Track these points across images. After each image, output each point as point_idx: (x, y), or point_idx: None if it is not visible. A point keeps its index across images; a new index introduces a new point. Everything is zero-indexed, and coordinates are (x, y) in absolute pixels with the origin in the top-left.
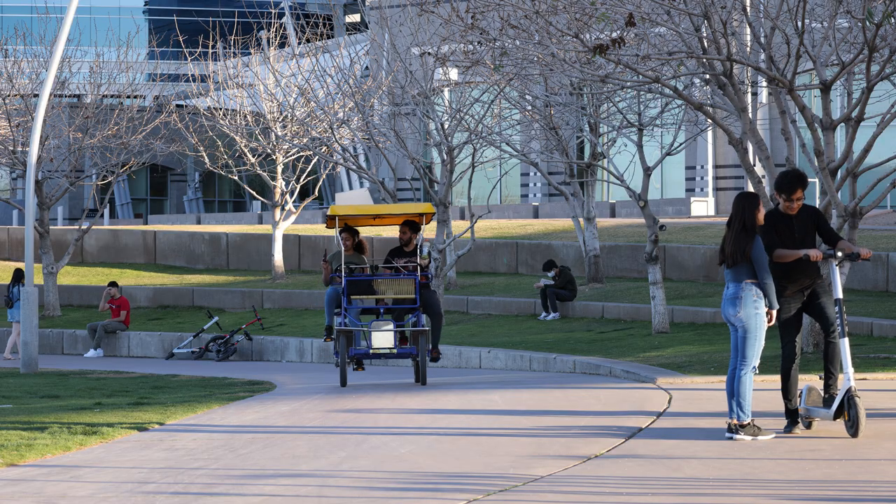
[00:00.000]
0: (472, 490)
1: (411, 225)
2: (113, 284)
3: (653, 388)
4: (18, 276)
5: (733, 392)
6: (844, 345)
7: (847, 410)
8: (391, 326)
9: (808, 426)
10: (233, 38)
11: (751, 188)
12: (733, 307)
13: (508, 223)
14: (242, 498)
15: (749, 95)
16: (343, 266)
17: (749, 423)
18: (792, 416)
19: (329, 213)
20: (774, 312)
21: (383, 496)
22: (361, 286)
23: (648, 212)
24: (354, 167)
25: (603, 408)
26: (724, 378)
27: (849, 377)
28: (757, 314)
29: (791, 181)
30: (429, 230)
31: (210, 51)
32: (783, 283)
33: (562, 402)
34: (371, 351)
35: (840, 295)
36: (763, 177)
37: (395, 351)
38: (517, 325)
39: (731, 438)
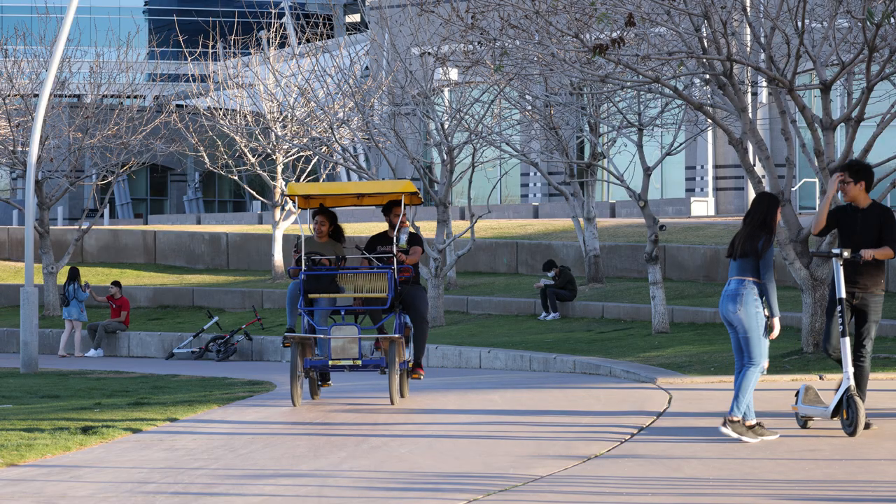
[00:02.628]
0: (472, 490)
1: (400, 206)
2: (115, 284)
3: (653, 388)
4: (73, 274)
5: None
6: (845, 344)
7: (846, 409)
8: (355, 332)
9: (804, 425)
10: (233, 38)
11: (751, 188)
12: (733, 303)
13: (508, 223)
14: (242, 498)
15: (749, 95)
16: (304, 257)
17: (738, 421)
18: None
19: (287, 192)
20: (776, 321)
21: (383, 496)
22: (323, 282)
23: (648, 212)
24: (354, 167)
25: (603, 408)
26: (724, 378)
27: (848, 376)
28: (757, 313)
29: (844, 164)
30: (428, 230)
31: (210, 51)
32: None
33: (562, 402)
34: (330, 363)
35: (843, 294)
36: (763, 177)
37: (359, 363)
38: (517, 325)
39: (738, 440)
